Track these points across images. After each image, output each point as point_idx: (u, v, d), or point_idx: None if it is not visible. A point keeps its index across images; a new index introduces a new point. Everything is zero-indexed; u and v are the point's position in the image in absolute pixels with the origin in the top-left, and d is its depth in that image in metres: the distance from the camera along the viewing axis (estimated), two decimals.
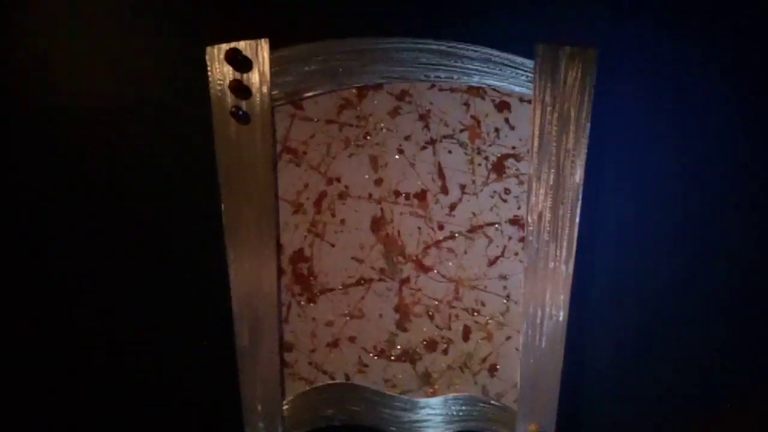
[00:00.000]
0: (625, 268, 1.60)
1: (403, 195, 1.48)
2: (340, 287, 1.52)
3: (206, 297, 1.58)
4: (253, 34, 1.40)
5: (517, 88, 1.42)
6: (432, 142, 1.45)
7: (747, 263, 1.58)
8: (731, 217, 1.56)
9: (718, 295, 1.61)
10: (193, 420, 1.68)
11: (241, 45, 1.40)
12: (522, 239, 1.49)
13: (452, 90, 1.44)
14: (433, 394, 1.59)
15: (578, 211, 1.45)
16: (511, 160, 1.46)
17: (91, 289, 1.60)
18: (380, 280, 1.52)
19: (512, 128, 1.45)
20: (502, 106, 1.44)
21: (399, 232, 1.50)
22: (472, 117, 1.44)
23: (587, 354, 1.65)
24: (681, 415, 1.68)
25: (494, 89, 1.43)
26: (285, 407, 1.58)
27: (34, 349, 1.64)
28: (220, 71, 1.41)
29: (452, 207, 1.48)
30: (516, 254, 1.50)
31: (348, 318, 1.54)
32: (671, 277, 1.59)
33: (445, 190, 1.48)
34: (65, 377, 1.65)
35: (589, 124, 1.41)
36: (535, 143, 1.43)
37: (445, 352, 1.56)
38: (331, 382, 1.58)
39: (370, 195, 1.48)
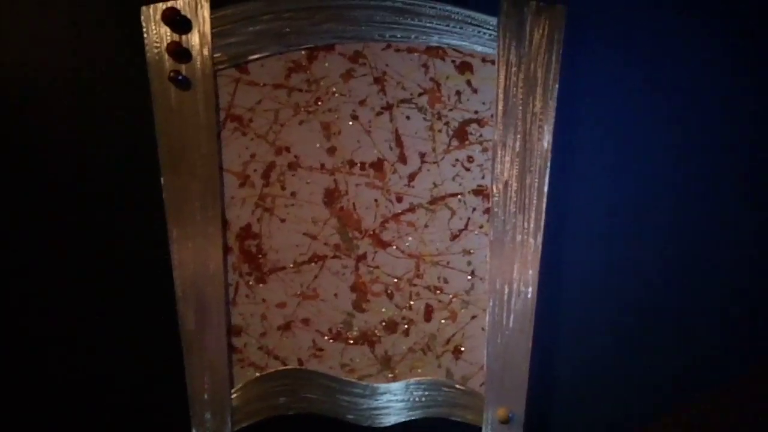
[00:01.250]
0: (598, 240, 1.51)
1: (358, 165, 1.39)
2: (292, 266, 1.43)
3: (147, 279, 1.47)
4: None
5: (479, 48, 1.34)
6: (388, 107, 1.36)
7: (728, 230, 1.51)
8: (709, 184, 1.49)
9: (697, 268, 1.54)
10: (136, 411, 1.57)
11: (179, 3, 1.30)
12: (487, 211, 1.40)
13: (410, 50, 1.34)
14: (394, 379, 1.50)
15: (547, 179, 1.37)
16: (474, 126, 1.37)
17: (19, 272, 1.48)
18: (335, 257, 1.42)
19: (475, 91, 1.36)
20: (464, 68, 1.35)
21: (354, 205, 1.40)
22: (432, 79, 1.35)
23: (558, 333, 1.57)
24: (658, 399, 1.62)
25: (455, 49, 1.34)
26: (234, 396, 1.48)
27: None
28: (156, 33, 1.31)
29: (411, 177, 1.39)
30: (481, 227, 1.41)
31: (301, 299, 1.45)
32: (646, 250, 1.51)
33: (403, 159, 1.38)
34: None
35: (557, 86, 1.33)
36: (500, 107, 1.35)
37: (406, 333, 1.47)
38: (283, 368, 1.49)
39: (323, 165, 1.38)
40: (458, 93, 1.36)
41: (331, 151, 1.38)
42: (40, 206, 1.44)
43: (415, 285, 1.44)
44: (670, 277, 1.54)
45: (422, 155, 1.38)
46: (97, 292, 1.50)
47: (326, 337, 1.47)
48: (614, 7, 1.40)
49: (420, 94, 1.36)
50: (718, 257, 1.53)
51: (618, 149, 1.46)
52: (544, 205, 1.37)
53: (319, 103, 1.36)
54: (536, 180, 1.37)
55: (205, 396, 1.46)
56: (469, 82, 1.35)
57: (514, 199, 1.38)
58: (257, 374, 1.48)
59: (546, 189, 1.37)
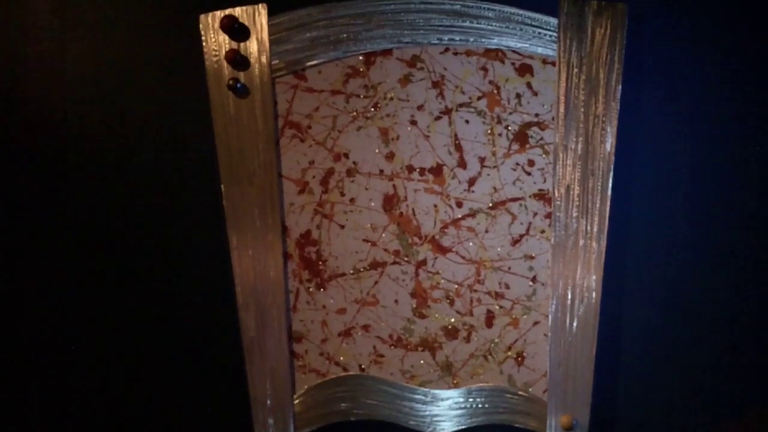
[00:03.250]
0: (661, 245, 1.47)
1: (417, 170, 1.37)
2: (352, 272, 1.42)
3: (209, 287, 1.49)
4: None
5: (539, 50, 1.31)
6: (447, 111, 1.34)
7: None
8: None
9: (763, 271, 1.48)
10: (200, 417, 1.59)
11: (237, 11, 1.30)
12: (548, 215, 1.37)
13: (468, 54, 1.32)
14: (456, 386, 1.48)
15: (610, 183, 1.33)
16: (534, 129, 1.34)
17: (88, 284, 1.51)
18: (395, 263, 1.41)
19: (535, 94, 1.33)
20: (524, 70, 1.32)
21: (414, 210, 1.39)
22: (491, 83, 1.33)
23: (622, 339, 1.53)
24: (723, 407, 1.57)
25: (514, 51, 1.32)
26: (296, 402, 1.48)
27: (38, 346, 1.56)
28: (215, 41, 1.31)
29: (471, 182, 1.37)
30: (542, 232, 1.38)
31: (361, 305, 1.44)
32: (712, 256, 1.47)
33: (462, 164, 1.37)
34: (69, 375, 1.57)
35: (620, 87, 1.30)
36: (561, 109, 1.32)
37: (467, 339, 1.45)
38: (344, 374, 1.48)
39: (382, 171, 1.37)
40: (518, 96, 1.33)
41: (390, 156, 1.36)
42: (103, 215, 1.46)
43: (475, 291, 1.42)
44: (736, 282, 1.49)
45: (482, 159, 1.36)
46: (159, 300, 1.51)
47: (387, 344, 1.46)
48: (677, 4, 1.36)
49: (479, 98, 1.34)
50: None
51: (683, 151, 1.42)
52: (607, 209, 1.34)
53: (377, 108, 1.35)
54: (599, 183, 1.34)
55: (268, 402, 1.46)
56: (529, 85, 1.33)
57: (577, 203, 1.35)
58: (318, 380, 1.48)
59: (609, 192, 1.34)
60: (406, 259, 1.41)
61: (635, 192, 1.43)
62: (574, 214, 1.35)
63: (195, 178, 1.42)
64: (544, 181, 1.36)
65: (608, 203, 1.34)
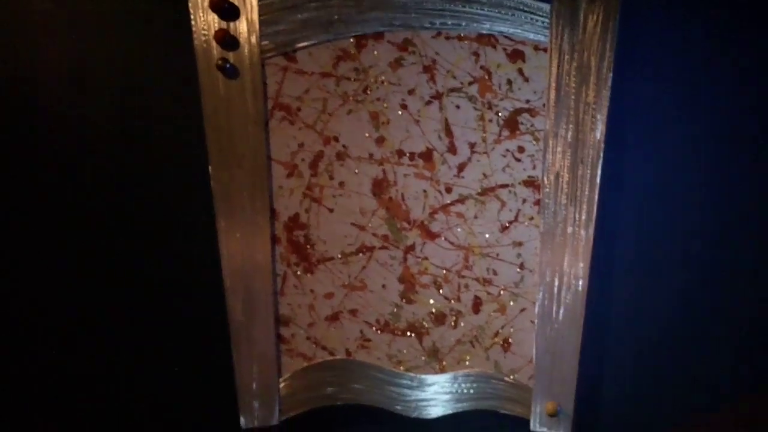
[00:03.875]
0: (650, 233, 1.48)
1: (407, 155, 1.37)
2: (340, 256, 1.42)
3: (196, 270, 1.47)
4: None
5: (532, 36, 1.31)
6: (438, 96, 1.33)
7: None
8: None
9: (749, 262, 1.50)
10: (186, 401, 1.58)
11: None
12: (538, 202, 1.37)
13: (460, 38, 1.32)
14: (442, 371, 1.49)
15: (599, 170, 1.34)
16: (525, 116, 1.34)
17: (72, 268, 1.49)
18: (383, 248, 1.41)
19: (526, 80, 1.33)
20: (516, 56, 1.32)
21: (403, 195, 1.39)
22: (482, 68, 1.32)
23: (608, 327, 1.54)
24: (710, 394, 1.59)
25: (506, 37, 1.31)
26: (282, 385, 1.48)
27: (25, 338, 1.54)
28: (204, 20, 1.29)
29: (461, 167, 1.37)
30: (531, 219, 1.39)
31: (349, 290, 1.44)
32: (699, 242, 1.48)
33: (453, 149, 1.36)
34: (55, 355, 1.56)
35: (611, 75, 1.30)
36: (552, 96, 1.32)
37: (455, 325, 1.45)
38: (331, 358, 1.48)
39: (371, 155, 1.37)
40: (509, 82, 1.33)
41: (380, 141, 1.36)
42: (88, 198, 1.44)
43: (463, 277, 1.42)
44: (723, 271, 1.50)
45: (472, 145, 1.36)
46: (145, 284, 1.50)
47: (374, 328, 1.46)
48: None
49: (470, 83, 1.33)
50: None
51: (674, 140, 1.43)
52: (596, 197, 1.35)
53: (368, 92, 1.34)
54: (588, 171, 1.34)
55: (254, 385, 1.46)
56: (520, 71, 1.32)
57: (566, 190, 1.35)
58: (305, 364, 1.48)
59: (598, 180, 1.34)
60: (394, 244, 1.41)
61: (625, 180, 1.43)
62: (563, 202, 1.35)
63: (184, 160, 1.40)
64: (534, 168, 1.36)
65: (597, 191, 1.34)
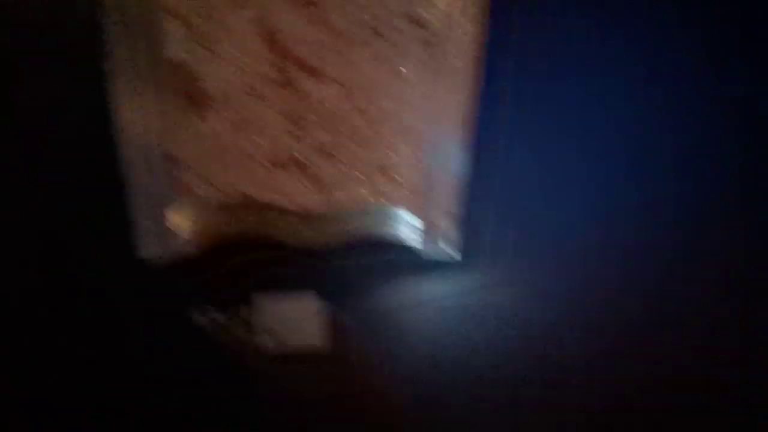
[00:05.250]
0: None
1: None
2: (228, 96, 1.41)
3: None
4: None
5: None
6: None
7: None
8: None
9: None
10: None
11: None
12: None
13: None
14: (330, 206, 1.55)
15: None
16: None
17: None
18: (270, 85, 1.41)
19: None
20: None
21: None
22: None
23: None
24: None
25: None
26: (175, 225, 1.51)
27: None
28: None
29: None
30: None
31: (238, 129, 1.45)
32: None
33: None
34: None
35: None
36: None
37: (342, 159, 1.50)
38: (222, 198, 1.52)
39: None
40: None
41: None
42: None
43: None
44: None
45: None
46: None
47: (264, 166, 1.49)
48: None
49: None
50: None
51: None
52: None
53: None
54: None
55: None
56: None
57: None
58: (198, 204, 1.52)
59: None
60: (280, 81, 1.41)
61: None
62: None
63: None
64: None
65: None
